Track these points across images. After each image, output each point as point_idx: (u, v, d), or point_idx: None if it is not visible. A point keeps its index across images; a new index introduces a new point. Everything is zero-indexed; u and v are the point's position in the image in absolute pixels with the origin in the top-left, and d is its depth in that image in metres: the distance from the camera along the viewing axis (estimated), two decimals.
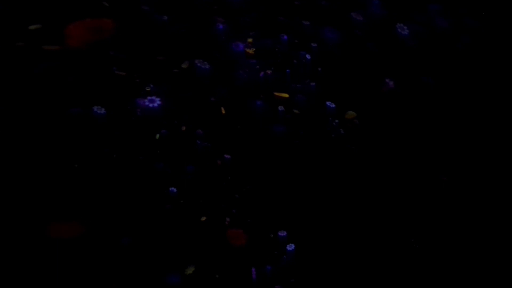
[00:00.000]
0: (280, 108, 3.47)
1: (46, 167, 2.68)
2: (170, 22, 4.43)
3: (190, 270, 2.68)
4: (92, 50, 3.15)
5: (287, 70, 4.20)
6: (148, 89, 3.14)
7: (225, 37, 4.61)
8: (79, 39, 3.09)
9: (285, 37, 5.00)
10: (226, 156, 3.13)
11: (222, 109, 3.33)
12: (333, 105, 3.50)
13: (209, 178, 2.96)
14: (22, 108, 2.83)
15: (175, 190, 2.70)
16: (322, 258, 2.90)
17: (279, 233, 3.16)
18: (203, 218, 2.81)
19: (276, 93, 3.60)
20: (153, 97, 3.08)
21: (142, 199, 2.80)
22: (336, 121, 3.41)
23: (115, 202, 2.73)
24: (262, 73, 4.07)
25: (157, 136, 3.02)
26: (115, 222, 2.68)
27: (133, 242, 2.61)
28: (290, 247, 3.17)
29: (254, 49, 4.56)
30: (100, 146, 2.81)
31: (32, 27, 2.96)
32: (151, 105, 3.06)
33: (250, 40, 4.82)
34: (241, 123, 3.34)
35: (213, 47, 4.23)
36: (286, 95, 3.57)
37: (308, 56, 4.48)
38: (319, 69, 4.26)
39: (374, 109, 3.49)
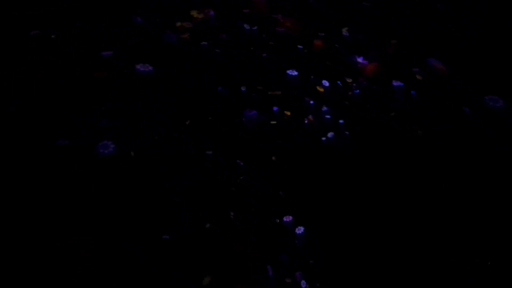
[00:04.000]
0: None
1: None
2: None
3: (206, 281, 2.63)
4: None
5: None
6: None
7: (151, 29, 4.25)
8: None
9: (212, 12, 4.72)
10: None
11: (188, 122, 3.09)
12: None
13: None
14: None
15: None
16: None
17: (285, 219, 3.03)
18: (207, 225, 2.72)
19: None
20: (105, 142, 2.86)
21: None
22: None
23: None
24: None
25: (132, 153, 2.89)
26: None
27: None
28: (299, 230, 3.05)
29: (189, 34, 4.24)
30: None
31: None
32: (106, 151, 2.84)
33: (179, 24, 4.48)
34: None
35: (146, 46, 3.90)
36: (279, 92, 3.32)
37: (247, 27, 4.22)
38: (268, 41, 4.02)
39: None
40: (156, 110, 3.14)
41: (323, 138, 3.11)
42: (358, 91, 3.49)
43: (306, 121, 3.21)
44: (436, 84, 3.51)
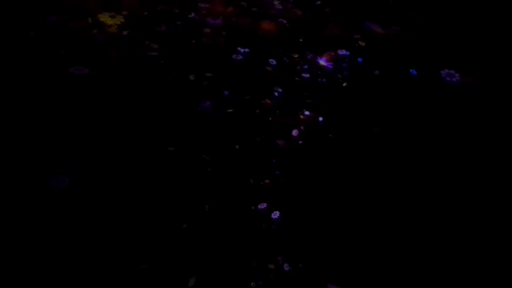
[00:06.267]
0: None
1: None
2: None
3: (191, 282, 2.58)
4: None
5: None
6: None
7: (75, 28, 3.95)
8: None
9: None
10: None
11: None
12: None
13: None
14: None
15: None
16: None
17: (260, 206, 2.99)
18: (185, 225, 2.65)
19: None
20: (57, 175, 2.70)
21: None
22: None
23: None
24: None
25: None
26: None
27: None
28: (275, 215, 3.02)
29: (117, 27, 3.98)
30: None
31: None
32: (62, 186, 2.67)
33: (102, 19, 4.19)
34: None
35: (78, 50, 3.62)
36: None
37: (177, 10, 4.03)
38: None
39: None
40: (109, 112, 2.94)
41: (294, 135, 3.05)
42: (306, 66, 3.46)
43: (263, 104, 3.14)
44: (380, 50, 3.55)
